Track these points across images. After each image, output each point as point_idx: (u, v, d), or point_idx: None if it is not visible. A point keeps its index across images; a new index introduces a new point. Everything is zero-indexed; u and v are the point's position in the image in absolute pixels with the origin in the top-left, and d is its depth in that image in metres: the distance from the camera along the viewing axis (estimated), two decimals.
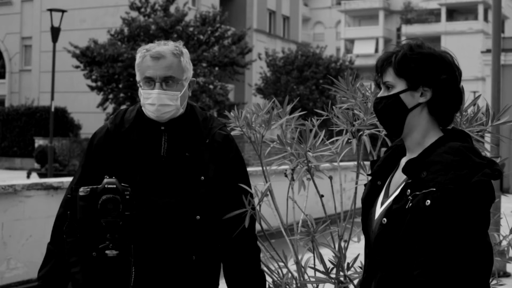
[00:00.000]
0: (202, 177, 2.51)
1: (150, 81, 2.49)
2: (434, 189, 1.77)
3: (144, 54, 2.51)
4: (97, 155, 2.56)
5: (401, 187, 1.90)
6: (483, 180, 1.77)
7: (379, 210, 1.95)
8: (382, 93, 1.95)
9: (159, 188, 2.48)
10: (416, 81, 1.88)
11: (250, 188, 2.69)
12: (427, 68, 1.88)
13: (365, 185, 2.10)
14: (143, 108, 2.55)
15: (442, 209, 1.76)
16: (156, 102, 2.47)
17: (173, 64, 2.49)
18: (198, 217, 2.49)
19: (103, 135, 2.58)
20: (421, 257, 1.78)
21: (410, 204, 1.81)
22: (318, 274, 2.94)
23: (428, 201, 1.77)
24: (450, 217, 1.76)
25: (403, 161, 1.98)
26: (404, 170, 1.90)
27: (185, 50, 2.58)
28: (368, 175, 2.01)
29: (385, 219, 1.87)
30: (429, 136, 1.92)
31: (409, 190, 1.84)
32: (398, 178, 1.96)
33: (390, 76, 1.92)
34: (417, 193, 1.81)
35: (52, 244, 2.59)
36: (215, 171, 2.55)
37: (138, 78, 2.54)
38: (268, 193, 3.19)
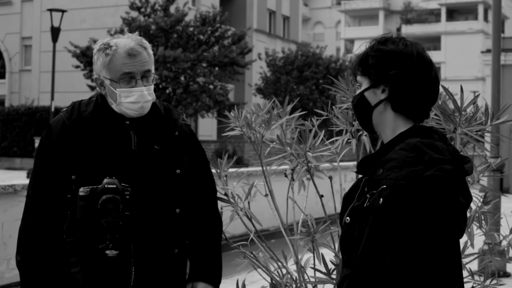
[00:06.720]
0: (178, 170, 2.50)
1: (130, 78, 2.41)
2: (385, 186, 1.72)
3: (112, 52, 2.41)
4: (58, 152, 2.44)
5: (361, 184, 1.88)
6: (436, 175, 1.68)
7: None
8: (356, 92, 2.00)
9: (134, 182, 2.41)
10: (375, 78, 1.90)
11: (213, 178, 2.69)
12: (381, 65, 1.88)
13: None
14: (118, 106, 2.45)
15: (392, 207, 1.70)
16: (141, 100, 2.42)
17: (147, 58, 2.45)
18: (178, 210, 2.49)
19: (60, 131, 2.46)
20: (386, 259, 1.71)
21: (368, 204, 1.77)
22: (319, 275, 2.93)
23: (381, 199, 1.72)
24: (401, 215, 1.69)
25: None
26: (357, 168, 1.89)
27: (148, 43, 2.54)
28: (355, 172, 1.99)
29: (348, 218, 1.85)
30: (397, 133, 1.88)
31: (366, 188, 1.81)
32: None
33: (358, 75, 1.96)
34: (374, 191, 1.76)
35: (22, 254, 2.46)
36: (188, 163, 2.54)
37: (108, 76, 2.42)
38: (268, 192, 3.20)
